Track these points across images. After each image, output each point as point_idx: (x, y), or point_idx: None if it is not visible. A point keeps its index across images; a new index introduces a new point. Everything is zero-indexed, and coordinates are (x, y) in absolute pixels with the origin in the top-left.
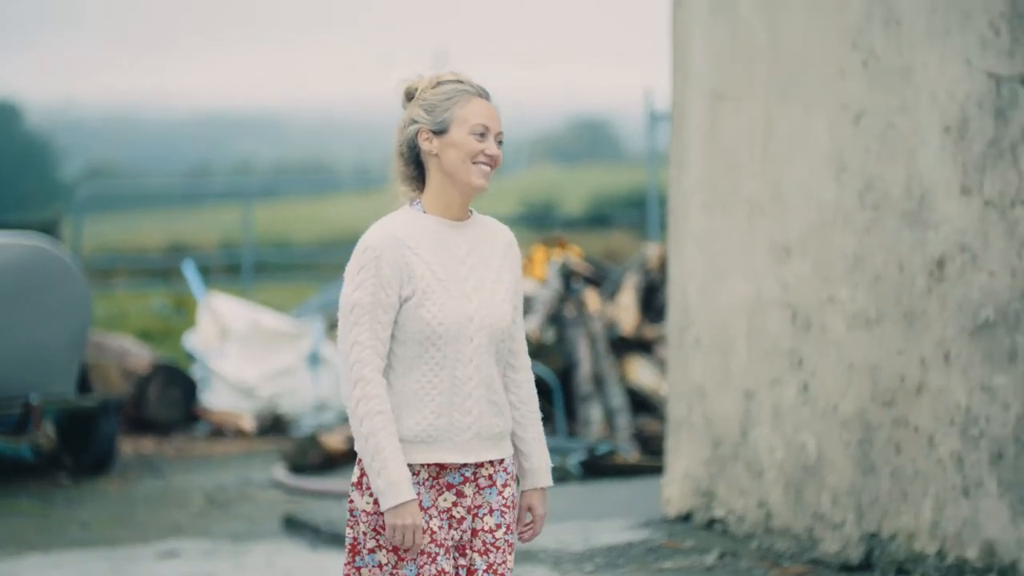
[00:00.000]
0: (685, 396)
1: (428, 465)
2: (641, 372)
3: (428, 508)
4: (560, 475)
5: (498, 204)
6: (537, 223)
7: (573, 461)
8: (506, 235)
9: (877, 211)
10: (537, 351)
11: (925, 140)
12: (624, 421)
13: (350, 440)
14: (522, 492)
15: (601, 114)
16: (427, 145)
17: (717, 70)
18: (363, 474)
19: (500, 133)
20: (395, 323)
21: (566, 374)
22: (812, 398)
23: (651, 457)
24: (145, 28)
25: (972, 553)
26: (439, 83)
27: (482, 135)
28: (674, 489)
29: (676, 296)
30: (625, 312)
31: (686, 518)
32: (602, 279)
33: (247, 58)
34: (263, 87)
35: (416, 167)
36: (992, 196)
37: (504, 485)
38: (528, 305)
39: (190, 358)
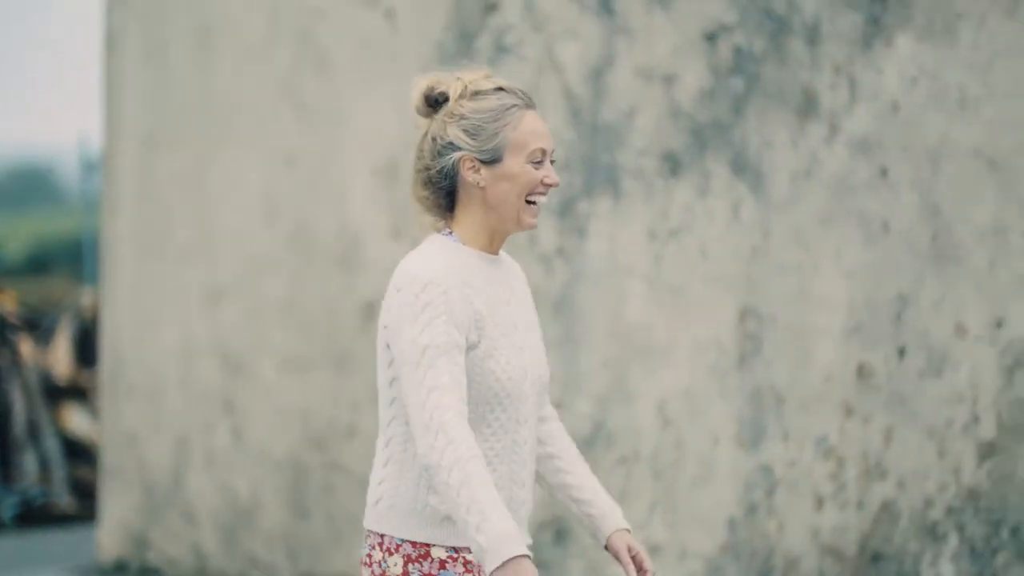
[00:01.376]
0: (118, 443)
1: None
2: (76, 419)
3: None
4: None
5: None
6: None
7: (7, 511)
8: (520, 269)
9: (308, 255)
10: None
11: (355, 184)
12: (59, 469)
13: None
14: (607, 541)
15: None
16: (473, 176)
17: (150, 117)
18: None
19: (554, 150)
20: None
21: (1, 422)
22: (244, 443)
23: (87, 505)
24: None
25: None
26: (476, 93)
27: (540, 161)
28: (108, 537)
29: (109, 343)
30: (59, 359)
31: (121, 566)
32: (37, 326)
33: None
34: None
35: (448, 195)
36: (421, 239)
37: None
38: None
39: None
